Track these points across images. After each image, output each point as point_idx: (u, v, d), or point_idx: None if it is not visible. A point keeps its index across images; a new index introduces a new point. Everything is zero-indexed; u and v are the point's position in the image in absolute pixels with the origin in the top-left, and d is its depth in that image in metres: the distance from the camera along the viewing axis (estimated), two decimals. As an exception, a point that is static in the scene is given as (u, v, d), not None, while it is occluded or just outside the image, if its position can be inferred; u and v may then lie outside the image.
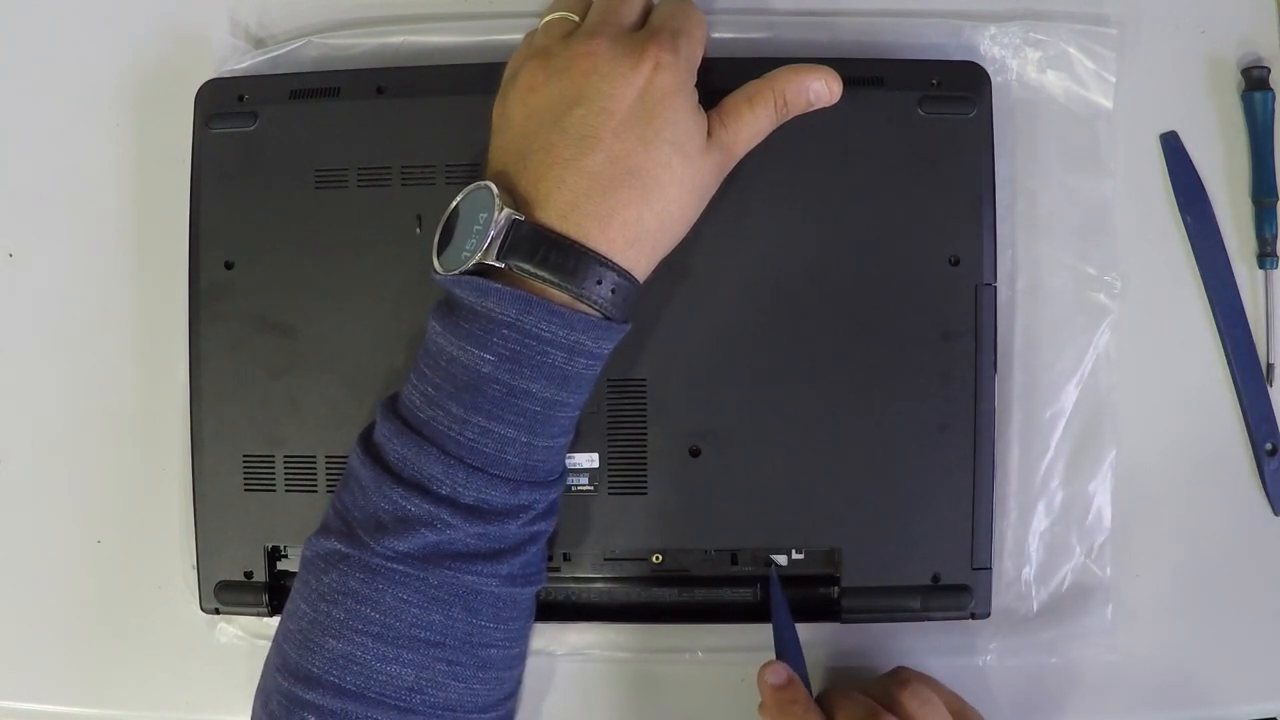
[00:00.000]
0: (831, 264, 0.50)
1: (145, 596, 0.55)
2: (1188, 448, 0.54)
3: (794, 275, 0.50)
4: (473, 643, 0.44)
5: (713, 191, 0.47)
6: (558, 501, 0.47)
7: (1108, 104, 0.53)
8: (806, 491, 0.50)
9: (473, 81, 0.50)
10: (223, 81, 0.53)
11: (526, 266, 0.42)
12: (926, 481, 0.50)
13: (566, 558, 0.51)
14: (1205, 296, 0.54)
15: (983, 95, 0.50)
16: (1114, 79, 0.53)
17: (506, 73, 0.47)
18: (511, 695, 0.48)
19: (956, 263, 0.50)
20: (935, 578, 0.50)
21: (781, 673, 0.47)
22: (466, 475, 0.43)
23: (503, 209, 0.43)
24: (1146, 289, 0.54)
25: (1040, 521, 0.53)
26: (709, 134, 0.45)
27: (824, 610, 0.51)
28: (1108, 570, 0.52)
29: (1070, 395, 0.53)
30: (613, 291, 0.43)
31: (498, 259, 0.43)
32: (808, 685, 0.48)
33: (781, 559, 0.51)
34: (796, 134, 0.49)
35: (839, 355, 0.50)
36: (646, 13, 0.47)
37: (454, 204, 0.45)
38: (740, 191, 0.49)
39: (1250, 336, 0.54)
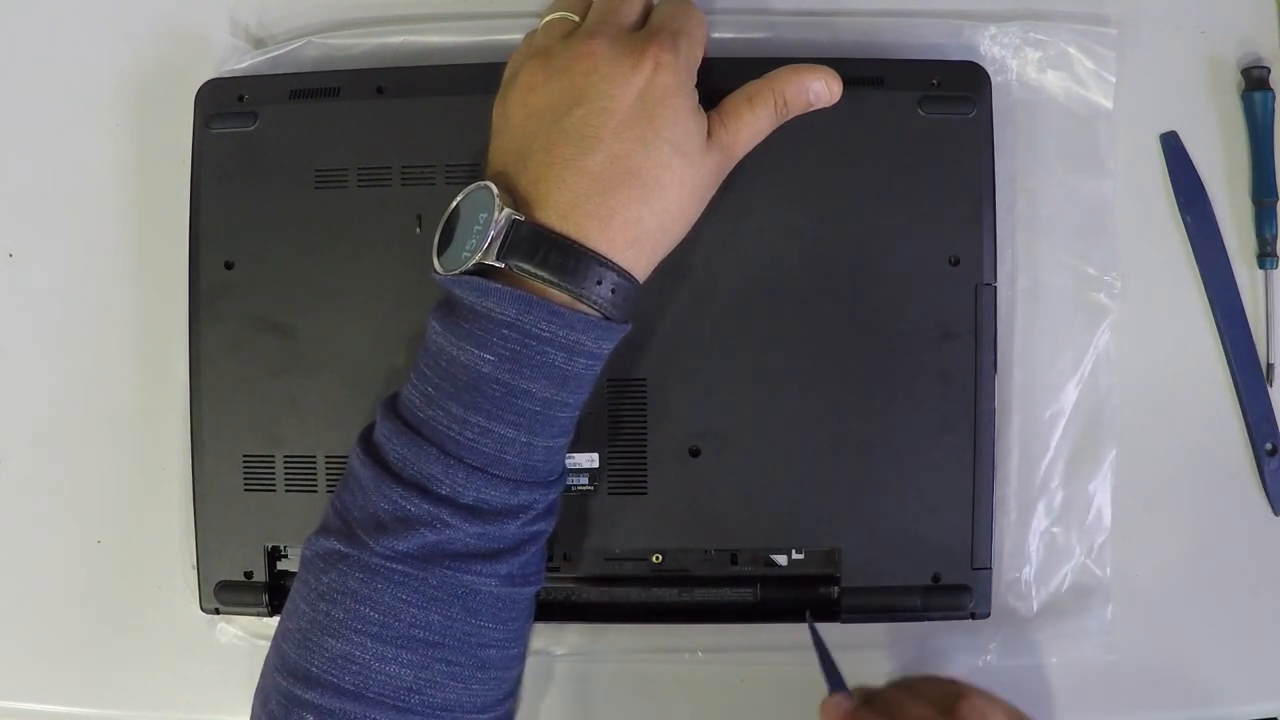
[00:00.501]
0: (831, 264, 0.50)
1: (145, 596, 0.55)
2: (1188, 448, 0.54)
3: (794, 275, 0.50)
4: (471, 643, 0.44)
5: (713, 192, 0.47)
6: (557, 501, 0.47)
7: (1108, 104, 0.53)
8: (806, 491, 0.50)
9: (473, 81, 0.50)
10: (223, 81, 0.53)
11: (526, 266, 0.42)
12: (926, 481, 0.50)
13: (566, 558, 0.51)
14: (1205, 296, 0.54)
15: (983, 95, 0.50)
16: (1114, 79, 0.53)
17: (506, 73, 0.47)
18: (510, 695, 0.48)
19: (956, 263, 0.50)
20: (935, 578, 0.50)
21: (844, 702, 0.47)
22: (466, 475, 0.43)
23: (503, 209, 0.43)
24: (1146, 289, 0.54)
25: (1040, 521, 0.53)
26: (709, 134, 0.45)
27: (824, 610, 0.51)
28: (1108, 570, 0.52)
29: (1070, 395, 0.53)
30: (613, 291, 0.43)
31: (498, 259, 0.43)
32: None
33: (781, 559, 0.51)
34: (796, 134, 0.49)
35: (839, 355, 0.50)
36: (647, 13, 0.47)
37: (454, 204, 0.45)
38: (740, 192, 0.49)
39: (1250, 336, 0.54)
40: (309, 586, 0.44)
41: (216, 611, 0.52)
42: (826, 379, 0.50)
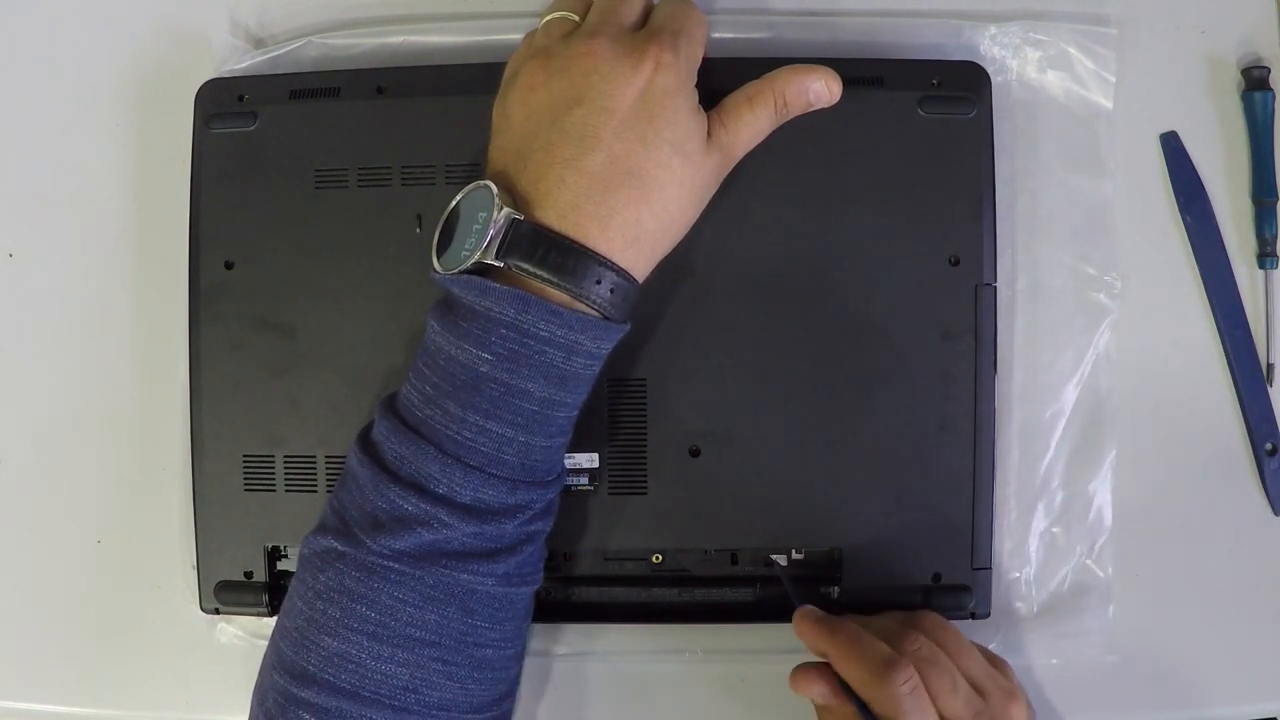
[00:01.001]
0: (831, 264, 0.50)
1: (145, 596, 0.55)
2: (1188, 448, 0.54)
3: (794, 275, 0.50)
4: (468, 643, 0.44)
5: (712, 192, 0.47)
6: (555, 501, 0.47)
7: (1108, 104, 0.53)
8: (806, 491, 0.50)
9: (473, 81, 0.50)
10: (223, 81, 0.53)
11: (525, 266, 0.42)
12: (926, 481, 0.50)
13: (566, 557, 0.51)
14: (1205, 296, 0.54)
15: (983, 95, 0.50)
16: (1114, 79, 0.53)
17: (506, 73, 0.47)
18: (508, 695, 0.48)
19: (956, 263, 0.50)
20: (935, 578, 0.50)
21: (816, 609, 0.48)
22: (464, 474, 0.43)
23: (502, 208, 0.43)
24: (1146, 289, 0.54)
25: (1040, 521, 0.53)
26: (709, 134, 0.45)
27: (824, 610, 0.50)
28: (1108, 570, 0.52)
29: (1070, 395, 0.53)
30: (611, 291, 0.43)
31: (497, 258, 0.43)
32: None
33: (781, 559, 0.51)
34: (796, 134, 0.49)
35: (839, 355, 0.50)
36: (647, 13, 0.47)
37: (454, 203, 0.45)
38: (740, 191, 0.49)
39: (1250, 336, 0.54)
40: (306, 585, 0.44)
41: (216, 611, 0.52)
42: (827, 379, 0.50)
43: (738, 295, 0.50)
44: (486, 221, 0.43)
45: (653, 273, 0.45)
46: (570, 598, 0.52)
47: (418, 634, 0.43)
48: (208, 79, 0.53)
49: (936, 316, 0.50)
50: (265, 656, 0.46)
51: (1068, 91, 0.53)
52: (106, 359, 0.56)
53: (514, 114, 0.45)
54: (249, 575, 0.52)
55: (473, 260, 0.43)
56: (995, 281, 0.50)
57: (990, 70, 0.51)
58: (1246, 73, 0.54)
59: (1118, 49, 0.53)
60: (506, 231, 0.43)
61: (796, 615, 0.49)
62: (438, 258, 0.44)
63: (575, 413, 0.45)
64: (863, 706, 0.45)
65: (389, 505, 0.43)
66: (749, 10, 0.54)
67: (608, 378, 0.50)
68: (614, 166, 0.43)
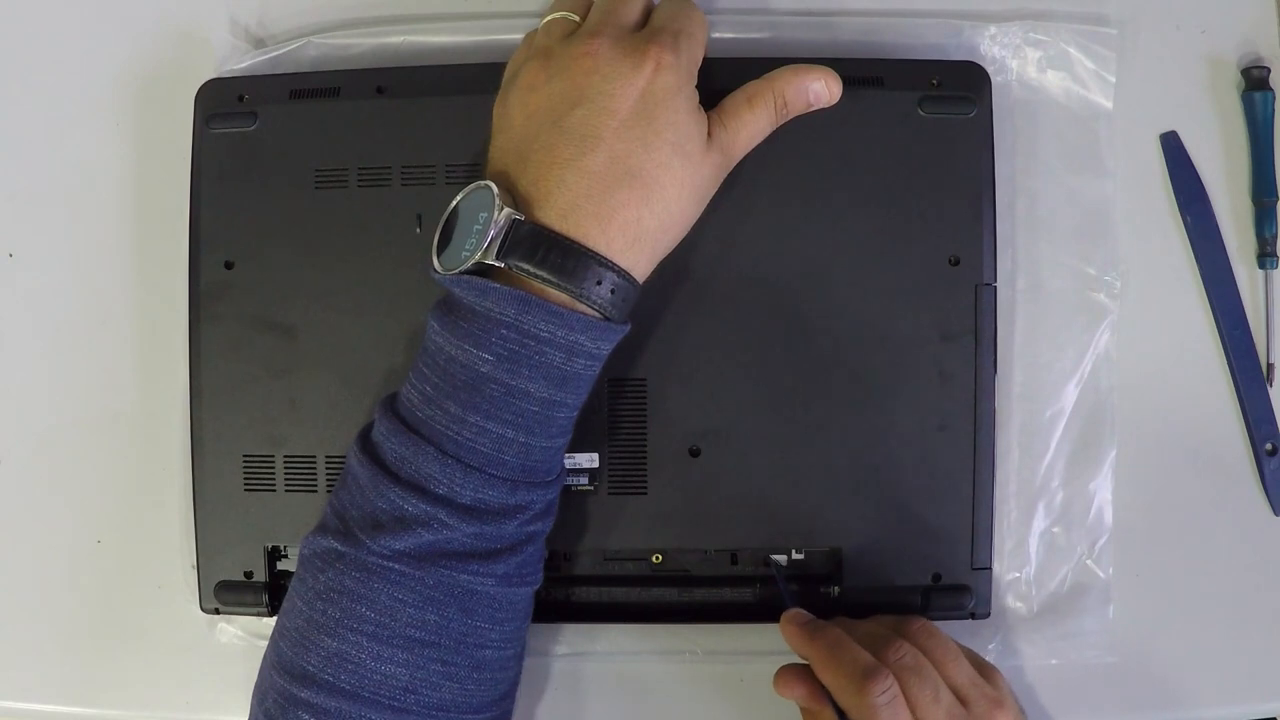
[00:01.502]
0: (831, 264, 0.50)
1: (145, 596, 0.55)
2: (1188, 448, 0.54)
3: (794, 275, 0.50)
4: (468, 643, 0.44)
5: (712, 192, 0.47)
6: (555, 502, 0.47)
7: (1108, 104, 0.53)
8: (806, 491, 0.50)
9: (473, 81, 0.50)
10: (223, 81, 0.53)
11: (526, 266, 0.42)
12: (926, 481, 0.50)
13: (566, 557, 0.51)
14: (1205, 296, 0.54)
15: (983, 95, 0.50)
16: (1114, 79, 0.53)
17: (507, 73, 0.47)
18: (507, 696, 0.48)
19: (956, 263, 0.50)
20: (935, 578, 0.50)
21: (804, 612, 0.48)
22: (464, 475, 0.43)
23: (503, 209, 0.43)
24: (1146, 289, 0.54)
25: (1040, 521, 0.53)
26: (709, 134, 0.45)
27: (824, 610, 0.50)
28: (1109, 570, 0.52)
29: (1070, 395, 0.53)
30: (612, 292, 0.43)
31: (497, 258, 0.43)
32: None
33: (781, 559, 0.51)
34: (796, 134, 0.49)
35: (839, 355, 0.50)
36: (647, 13, 0.47)
37: (454, 204, 0.45)
38: (740, 192, 0.49)
39: (1250, 336, 0.54)
40: (306, 585, 0.44)
41: (216, 611, 0.52)
42: (826, 379, 0.50)
43: (738, 295, 0.50)
44: (487, 222, 0.43)
45: (653, 273, 0.45)
46: (570, 598, 0.52)
47: (418, 634, 0.43)
48: (208, 79, 0.53)
49: (936, 316, 0.50)
50: (265, 656, 0.46)
51: (1068, 91, 0.53)
52: (106, 359, 0.56)
53: (514, 114, 0.45)
54: (249, 575, 0.52)
55: (473, 260, 0.43)
56: (995, 281, 0.50)
57: (990, 70, 0.51)
58: (1246, 73, 0.54)
59: (1118, 49, 0.53)
60: (507, 232, 0.43)
61: (783, 618, 0.48)
62: (438, 258, 0.44)
63: (575, 413, 0.45)
64: (841, 714, 0.45)
65: (389, 506, 0.43)
66: (749, 10, 0.54)
67: (608, 378, 0.50)
68: (614, 167, 0.43)
